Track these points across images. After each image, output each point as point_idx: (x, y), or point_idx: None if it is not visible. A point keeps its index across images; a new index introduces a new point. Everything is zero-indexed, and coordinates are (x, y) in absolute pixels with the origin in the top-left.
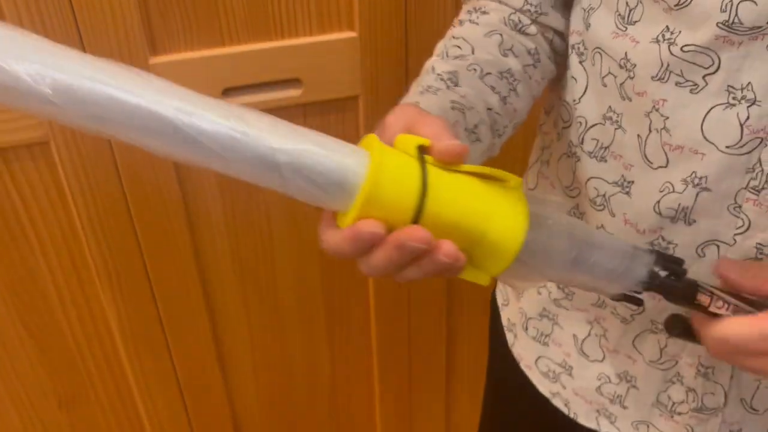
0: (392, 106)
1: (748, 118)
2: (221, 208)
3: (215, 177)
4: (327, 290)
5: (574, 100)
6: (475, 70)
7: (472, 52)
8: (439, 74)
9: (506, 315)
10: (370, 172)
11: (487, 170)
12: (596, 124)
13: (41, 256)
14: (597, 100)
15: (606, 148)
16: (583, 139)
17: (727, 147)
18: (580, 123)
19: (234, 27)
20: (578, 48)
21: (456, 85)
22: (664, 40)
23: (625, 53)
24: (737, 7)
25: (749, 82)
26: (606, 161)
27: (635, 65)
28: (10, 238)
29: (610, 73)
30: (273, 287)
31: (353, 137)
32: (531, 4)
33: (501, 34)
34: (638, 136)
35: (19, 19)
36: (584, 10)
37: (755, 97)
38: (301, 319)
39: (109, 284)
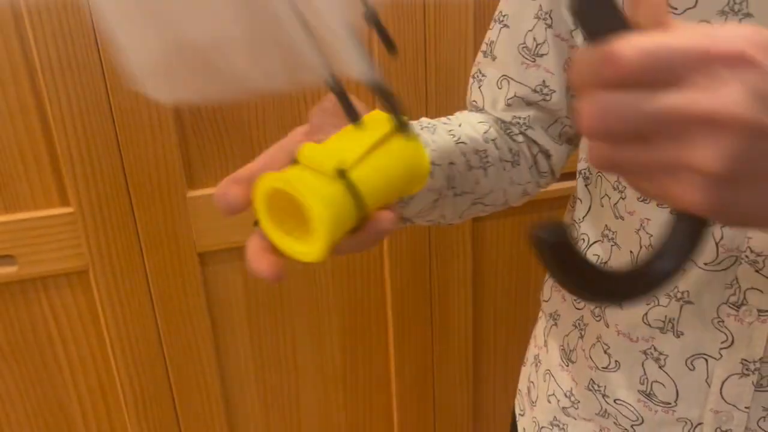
0: None
1: (722, 237)
2: (248, 337)
3: (244, 307)
4: (350, 418)
5: (578, 219)
6: (452, 135)
7: (459, 126)
8: (419, 121)
9: (522, 425)
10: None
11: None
12: (596, 242)
13: (71, 382)
14: (596, 219)
15: (605, 263)
16: (585, 254)
17: (706, 264)
18: (583, 240)
19: None
20: (584, 173)
21: (431, 132)
22: None
23: (618, 177)
24: None
25: None
26: None
27: (625, 187)
28: (42, 362)
29: (606, 194)
30: (297, 414)
31: None
32: (520, 118)
33: (490, 127)
34: (631, 252)
35: (69, 154)
36: None
37: None
38: None
39: (135, 410)
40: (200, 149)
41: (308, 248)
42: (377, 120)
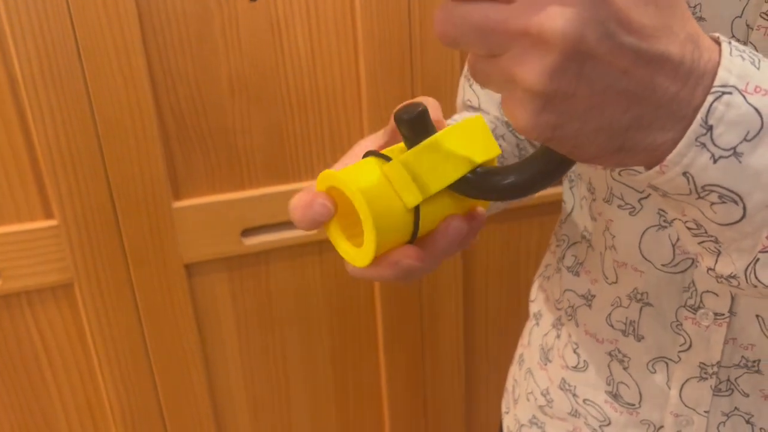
0: None
1: (678, 239)
2: (237, 349)
3: (233, 318)
4: (341, 428)
5: (562, 220)
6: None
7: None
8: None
9: (506, 422)
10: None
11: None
12: (575, 243)
13: (57, 399)
14: (577, 220)
15: (581, 264)
16: (564, 254)
17: (663, 265)
18: (563, 240)
19: (254, 171)
20: (570, 175)
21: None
22: None
23: (590, 178)
24: None
25: None
26: (579, 276)
27: (595, 189)
28: (27, 379)
29: (584, 196)
30: (288, 426)
31: None
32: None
33: (496, 127)
34: (600, 253)
35: (53, 166)
36: None
37: None
38: None
39: (123, 426)
40: (185, 159)
41: (357, 256)
42: (470, 131)
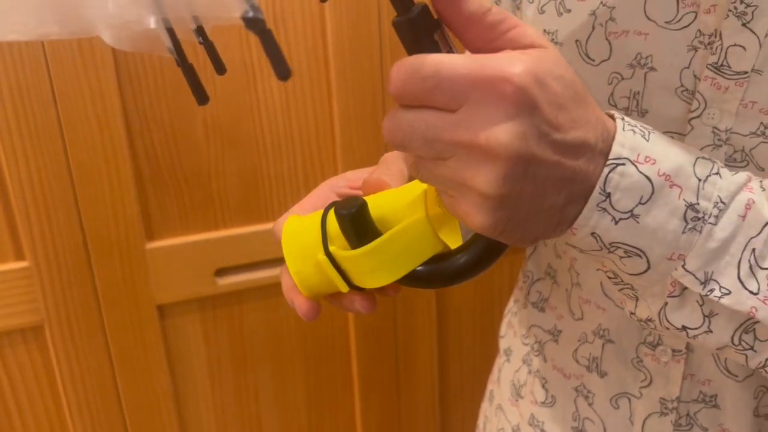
0: None
1: None
2: (210, 394)
3: (205, 360)
4: None
5: (526, 257)
6: None
7: None
8: None
9: None
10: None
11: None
12: (539, 279)
13: None
14: (540, 257)
15: (546, 300)
16: (529, 291)
17: None
18: (528, 276)
19: (227, 212)
20: None
21: None
22: None
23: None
24: None
25: None
26: (544, 311)
27: None
28: None
29: None
30: None
31: None
32: None
33: None
34: (566, 289)
35: (25, 208)
36: None
37: None
38: None
39: None
40: (159, 201)
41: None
42: (417, 232)
